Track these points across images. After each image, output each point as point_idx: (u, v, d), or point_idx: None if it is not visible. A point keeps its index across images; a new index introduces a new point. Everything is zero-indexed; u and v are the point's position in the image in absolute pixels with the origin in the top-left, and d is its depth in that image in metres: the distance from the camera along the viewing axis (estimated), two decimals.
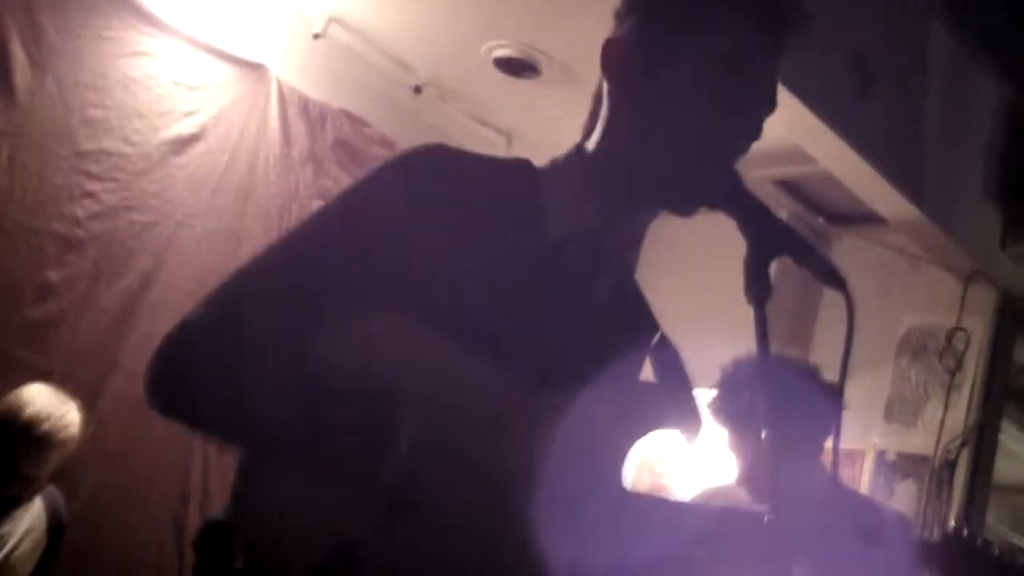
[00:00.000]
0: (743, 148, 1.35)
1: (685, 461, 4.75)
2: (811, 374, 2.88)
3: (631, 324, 1.44)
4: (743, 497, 2.89)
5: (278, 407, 1.17)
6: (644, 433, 1.26)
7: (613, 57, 1.40)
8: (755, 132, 1.35)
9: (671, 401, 1.29)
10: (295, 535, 1.12)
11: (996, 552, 2.26)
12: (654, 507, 1.32)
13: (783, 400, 2.56)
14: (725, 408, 2.95)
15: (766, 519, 1.26)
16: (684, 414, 1.28)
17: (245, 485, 1.15)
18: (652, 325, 1.45)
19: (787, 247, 1.29)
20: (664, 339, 1.42)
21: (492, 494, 1.15)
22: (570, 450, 1.19)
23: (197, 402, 1.25)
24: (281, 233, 1.33)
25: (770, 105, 1.36)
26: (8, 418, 3.35)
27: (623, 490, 1.27)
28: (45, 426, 3.36)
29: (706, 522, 1.32)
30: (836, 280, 1.27)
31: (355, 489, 1.12)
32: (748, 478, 2.91)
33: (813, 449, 2.84)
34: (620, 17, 1.42)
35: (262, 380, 1.19)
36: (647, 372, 1.42)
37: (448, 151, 1.37)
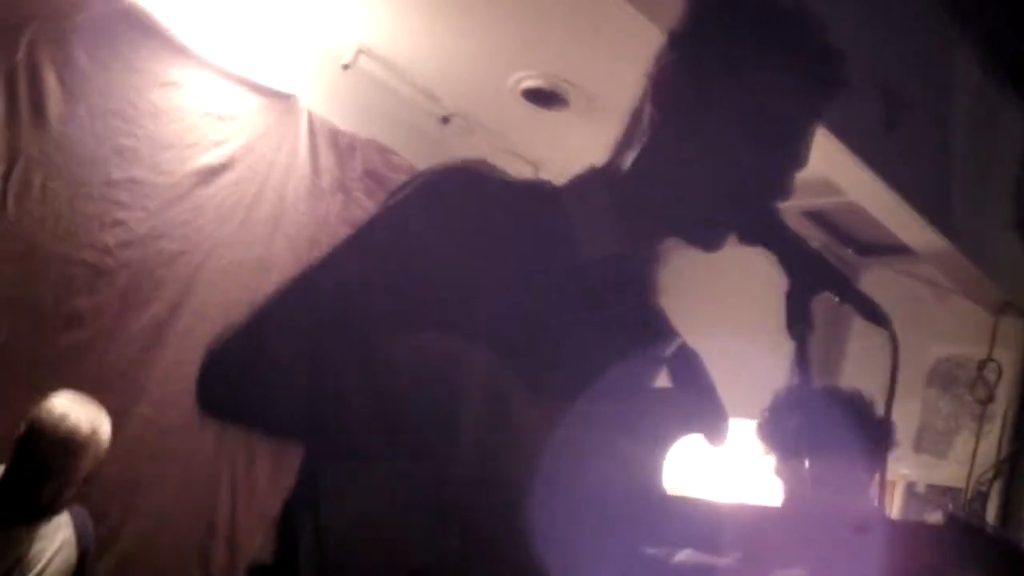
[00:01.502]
0: (771, 202, 1.36)
1: (706, 474, 4.71)
2: (863, 407, 2.86)
3: (655, 339, 1.45)
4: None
5: (308, 423, 1.21)
6: (673, 438, 1.26)
7: (662, 84, 1.40)
8: (784, 190, 1.37)
9: (694, 405, 1.29)
10: (355, 557, 1.13)
11: (992, 530, 2.26)
12: (694, 509, 1.31)
13: (829, 433, 2.54)
14: (773, 433, 2.93)
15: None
16: (709, 417, 1.28)
17: (304, 504, 1.16)
18: (673, 337, 1.46)
19: (829, 284, 1.29)
20: (683, 346, 1.42)
21: (541, 516, 1.15)
22: (608, 463, 1.19)
23: (238, 415, 1.32)
24: (315, 257, 1.34)
25: (802, 165, 1.38)
26: (45, 421, 3.35)
27: (664, 496, 1.27)
28: (82, 427, 3.37)
29: (745, 523, 1.32)
30: (879, 317, 1.26)
31: (416, 514, 1.13)
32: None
33: (857, 482, 2.82)
34: (672, 43, 1.43)
35: (292, 400, 1.22)
36: (663, 380, 1.42)
37: (473, 171, 1.38)
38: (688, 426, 1.27)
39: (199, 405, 1.30)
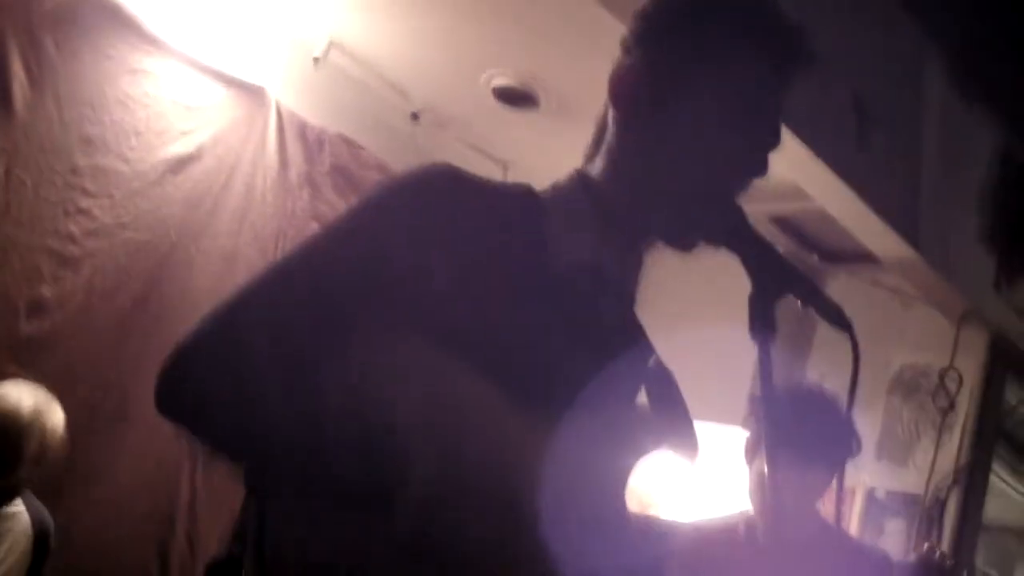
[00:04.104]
0: (748, 183, 1.36)
1: (674, 490, 4.74)
2: (823, 404, 2.86)
3: (631, 350, 1.43)
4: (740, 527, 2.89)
5: (281, 428, 1.15)
6: (641, 456, 1.25)
7: (622, 88, 1.40)
8: (762, 167, 1.35)
9: (668, 425, 1.29)
10: (292, 568, 1.11)
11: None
12: (657, 528, 1.30)
13: (794, 435, 2.55)
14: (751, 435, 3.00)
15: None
16: (681, 437, 1.27)
17: (250, 511, 1.14)
18: (649, 350, 1.45)
19: (793, 286, 1.29)
20: (659, 362, 1.41)
21: (500, 525, 1.13)
22: (572, 475, 1.17)
23: (203, 416, 1.22)
24: (289, 250, 1.31)
25: (776, 140, 1.37)
26: None
27: (625, 513, 1.26)
28: (23, 412, 3.36)
29: (707, 545, 1.31)
30: (841, 321, 1.27)
31: (364, 528, 1.11)
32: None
33: (815, 485, 2.84)
34: (628, 48, 1.42)
35: (266, 399, 1.16)
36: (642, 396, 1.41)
37: (456, 174, 1.35)
38: (661, 444, 1.26)
39: (159, 408, 1.24)
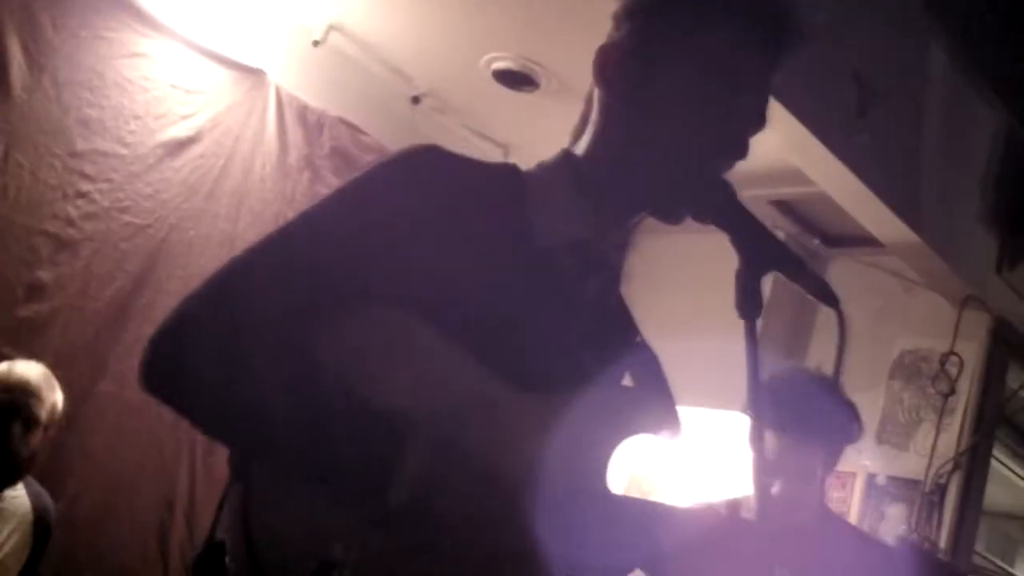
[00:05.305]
0: (729, 163, 1.35)
1: (673, 477, 4.73)
2: (824, 389, 2.83)
3: (616, 329, 1.45)
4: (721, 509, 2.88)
5: (271, 401, 1.14)
6: (625, 437, 1.24)
7: (606, 63, 1.40)
8: (742, 149, 1.35)
9: (652, 405, 1.29)
10: (282, 546, 1.11)
11: (941, 558, 2.27)
12: (639, 509, 1.30)
13: (789, 418, 2.53)
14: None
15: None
16: (665, 419, 1.27)
17: (234, 492, 1.14)
18: (634, 330, 1.45)
19: (780, 262, 1.29)
20: (644, 344, 1.41)
21: (490, 502, 1.14)
22: (556, 453, 1.17)
23: (190, 390, 1.21)
24: (279, 224, 1.32)
25: (761, 122, 1.36)
26: None
27: (608, 492, 1.25)
28: (37, 383, 3.37)
29: (691, 525, 1.30)
30: (828, 297, 1.26)
31: (349, 497, 1.11)
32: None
33: (814, 470, 2.82)
34: (618, 22, 1.42)
35: (257, 372, 1.16)
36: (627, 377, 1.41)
37: (442, 152, 1.36)
38: (646, 426, 1.26)
39: (144, 384, 1.22)
